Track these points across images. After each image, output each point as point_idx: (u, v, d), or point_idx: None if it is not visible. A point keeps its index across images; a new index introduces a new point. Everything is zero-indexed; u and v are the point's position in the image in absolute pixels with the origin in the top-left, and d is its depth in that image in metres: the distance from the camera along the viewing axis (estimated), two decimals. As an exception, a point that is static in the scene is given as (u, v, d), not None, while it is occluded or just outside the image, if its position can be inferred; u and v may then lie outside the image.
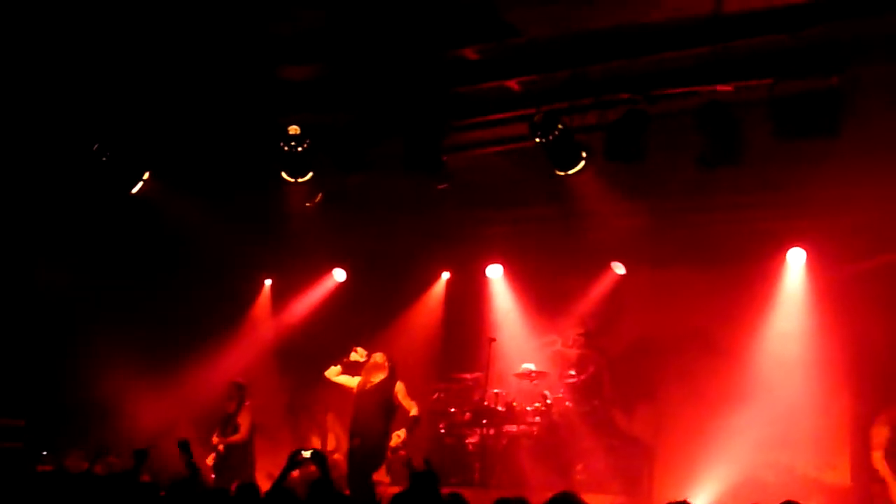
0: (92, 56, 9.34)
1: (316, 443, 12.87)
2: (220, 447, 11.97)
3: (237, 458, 11.94)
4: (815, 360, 11.77)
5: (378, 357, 11.09)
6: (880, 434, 10.51)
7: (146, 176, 10.85)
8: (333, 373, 11.25)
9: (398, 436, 10.69)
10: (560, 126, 8.99)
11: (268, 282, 14.93)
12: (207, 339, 13.68)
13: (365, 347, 11.24)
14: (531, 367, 12.79)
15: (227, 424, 12.19)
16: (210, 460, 11.86)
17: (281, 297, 14.70)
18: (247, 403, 12.29)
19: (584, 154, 9.21)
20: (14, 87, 9.76)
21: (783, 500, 6.32)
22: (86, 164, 10.58)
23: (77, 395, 12.94)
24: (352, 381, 11.12)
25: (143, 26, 8.85)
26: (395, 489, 11.28)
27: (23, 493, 7.15)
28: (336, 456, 12.56)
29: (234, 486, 8.08)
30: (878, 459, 10.49)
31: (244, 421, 12.20)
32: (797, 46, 8.07)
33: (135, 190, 10.86)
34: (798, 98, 8.30)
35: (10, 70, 9.47)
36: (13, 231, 12.20)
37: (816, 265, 11.98)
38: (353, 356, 11.08)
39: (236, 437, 12.10)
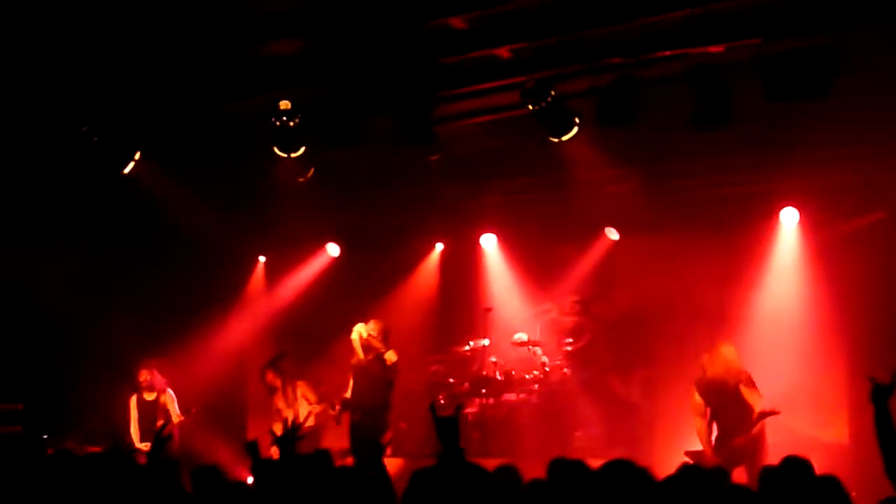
0: (75, 35, 9.25)
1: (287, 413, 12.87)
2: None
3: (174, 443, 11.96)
4: (810, 320, 11.85)
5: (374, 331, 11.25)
6: (696, 402, 10.70)
7: (137, 156, 10.80)
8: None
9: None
10: (552, 93, 8.97)
11: (262, 259, 14.92)
12: (203, 319, 13.67)
13: (361, 321, 11.33)
14: (523, 336, 12.84)
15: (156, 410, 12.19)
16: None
17: (275, 273, 14.69)
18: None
19: (576, 120, 9.22)
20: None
21: (782, 458, 6.36)
22: (75, 146, 10.52)
23: (73, 378, 12.93)
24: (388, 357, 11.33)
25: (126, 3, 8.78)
26: (397, 461, 11.39)
27: (27, 476, 7.15)
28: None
29: None
30: (699, 425, 10.69)
31: (171, 405, 12.25)
32: (786, 5, 8.05)
33: (127, 170, 10.80)
34: (787, 58, 8.29)
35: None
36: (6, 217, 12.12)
37: (808, 225, 12.02)
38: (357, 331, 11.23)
39: (177, 422, 12.11)
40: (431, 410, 5.82)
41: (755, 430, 10.39)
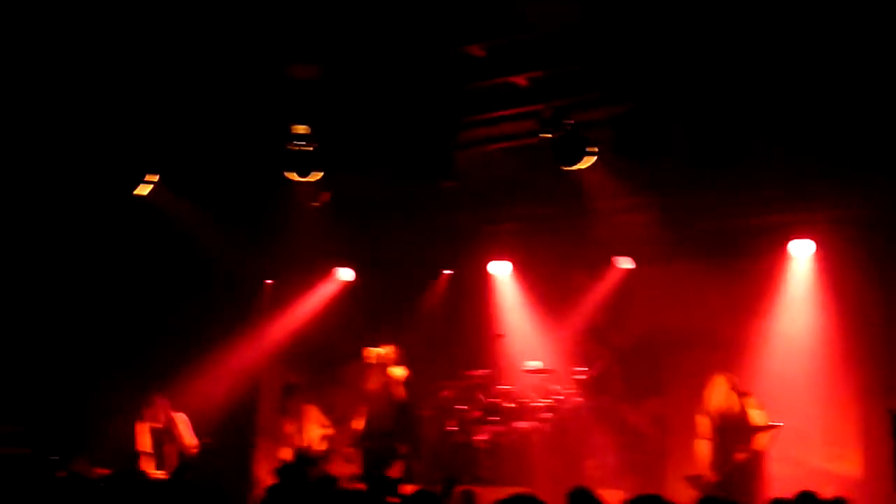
0: (89, 59, 9.30)
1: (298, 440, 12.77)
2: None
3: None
4: (824, 352, 11.78)
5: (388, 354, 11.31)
6: (702, 424, 10.71)
7: (156, 178, 10.83)
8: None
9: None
10: (569, 121, 8.99)
11: (272, 284, 14.87)
12: (213, 343, 13.62)
13: (372, 346, 11.36)
14: (537, 364, 12.81)
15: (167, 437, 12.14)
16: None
17: (286, 298, 14.65)
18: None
19: (591, 149, 9.23)
20: (12, 88, 9.69)
21: (796, 492, 6.32)
22: (87, 166, 10.56)
23: (83, 401, 12.90)
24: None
25: (142, 24, 8.83)
26: (408, 487, 11.35)
27: (37, 499, 7.14)
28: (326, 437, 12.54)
29: None
30: (702, 447, 10.67)
31: (185, 430, 12.19)
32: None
33: (139, 191, 10.82)
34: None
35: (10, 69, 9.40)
36: (18, 232, 12.12)
37: (822, 257, 11.99)
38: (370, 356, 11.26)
39: (194, 452, 12.06)
40: None
41: (757, 445, 10.33)
